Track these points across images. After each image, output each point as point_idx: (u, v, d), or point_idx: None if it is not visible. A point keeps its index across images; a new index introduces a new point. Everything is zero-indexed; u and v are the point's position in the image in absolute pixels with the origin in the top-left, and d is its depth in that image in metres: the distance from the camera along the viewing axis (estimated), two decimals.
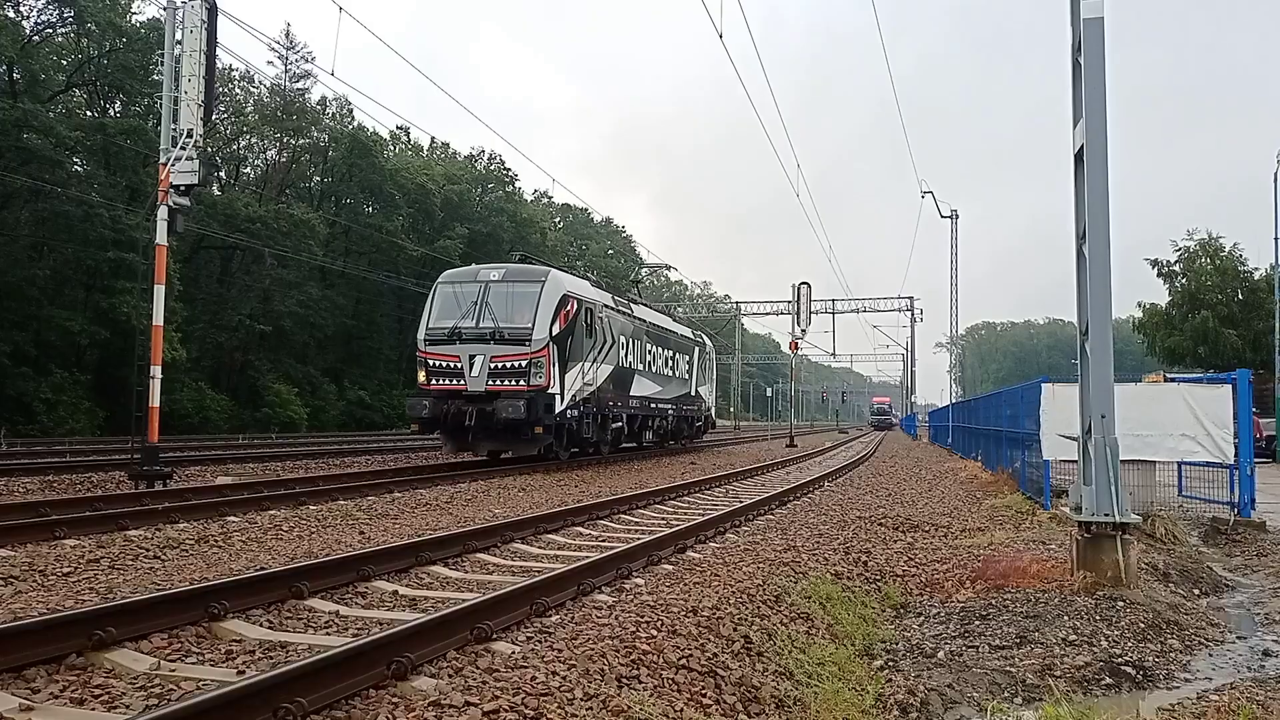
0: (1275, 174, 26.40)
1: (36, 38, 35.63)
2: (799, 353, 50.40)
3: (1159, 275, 38.71)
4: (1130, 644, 5.92)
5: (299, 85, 48.14)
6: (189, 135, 14.29)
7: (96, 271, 33.79)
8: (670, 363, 27.34)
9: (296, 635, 5.26)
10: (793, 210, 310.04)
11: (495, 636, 5.07)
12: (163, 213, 14.38)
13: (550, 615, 5.72)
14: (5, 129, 31.19)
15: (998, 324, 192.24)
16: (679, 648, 4.91)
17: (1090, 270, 7.28)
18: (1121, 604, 6.54)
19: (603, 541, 9.22)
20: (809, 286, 39.63)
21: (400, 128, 59.58)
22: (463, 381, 17.83)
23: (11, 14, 34.19)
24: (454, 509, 11.79)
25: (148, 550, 8.14)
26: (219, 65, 24.37)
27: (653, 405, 25.36)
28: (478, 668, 4.49)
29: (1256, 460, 12.69)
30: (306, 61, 47.18)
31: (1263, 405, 24.89)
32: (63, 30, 37.17)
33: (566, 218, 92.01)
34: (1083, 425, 7.52)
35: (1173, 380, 14.08)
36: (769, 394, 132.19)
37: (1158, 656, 5.79)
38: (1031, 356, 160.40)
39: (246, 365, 42.68)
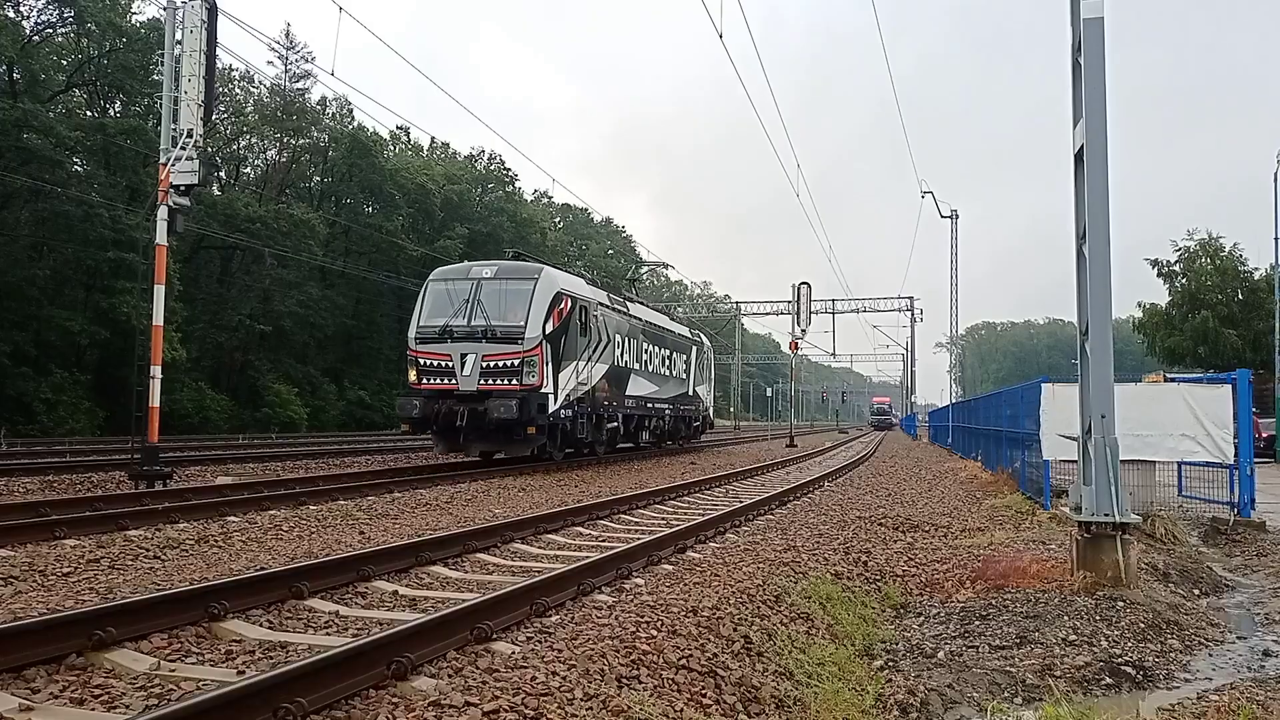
0: (1275, 174, 26.42)
1: (36, 38, 35.64)
2: (799, 353, 50.42)
3: (1159, 275, 38.75)
4: (1130, 644, 5.92)
5: (299, 85, 48.23)
6: (189, 135, 14.29)
7: (96, 271, 33.80)
8: (667, 362, 27.15)
9: (296, 635, 5.26)
10: (793, 210, 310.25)
11: (495, 636, 5.07)
12: (163, 213, 14.39)
13: (550, 615, 5.72)
14: (5, 129, 31.19)
15: (998, 324, 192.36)
16: (679, 648, 4.91)
17: (1090, 270, 7.29)
18: (1121, 604, 6.54)
19: (603, 541, 9.21)
20: (809, 286, 39.65)
21: (400, 128, 59.68)
22: (454, 381, 17.56)
23: (11, 14, 34.21)
24: (454, 509, 11.79)
25: (148, 550, 8.14)
26: (219, 65, 24.37)
27: (649, 405, 25.18)
28: (478, 668, 4.49)
29: (1256, 460, 12.69)
30: (306, 61, 47.28)
31: (1263, 405, 24.90)
32: (63, 30, 37.18)
33: (566, 218, 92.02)
34: (1083, 425, 7.52)
35: (1173, 380, 14.08)
36: (769, 394, 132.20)
37: (1158, 656, 5.79)
38: (1031, 356, 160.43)
39: (246, 365, 42.69)
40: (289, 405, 41.57)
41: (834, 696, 4.84)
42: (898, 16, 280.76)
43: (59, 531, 8.59)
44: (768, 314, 70.31)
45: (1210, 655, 5.97)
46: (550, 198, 79.34)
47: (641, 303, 27.61)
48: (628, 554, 7.57)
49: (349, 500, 12.13)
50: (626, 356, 22.99)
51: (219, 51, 15.78)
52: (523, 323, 17.64)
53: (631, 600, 6.12)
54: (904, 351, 78.95)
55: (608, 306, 21.80)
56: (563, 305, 18.55)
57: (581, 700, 4.02)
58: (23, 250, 32.98)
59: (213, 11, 14.59)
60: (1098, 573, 7.07)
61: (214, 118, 35.36)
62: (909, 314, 68.26)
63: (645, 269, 56.67)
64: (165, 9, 15.18)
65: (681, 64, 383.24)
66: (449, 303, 18.27)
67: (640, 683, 4.38)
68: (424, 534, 8.70)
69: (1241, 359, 32.37)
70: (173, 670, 4.50)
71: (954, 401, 45.32)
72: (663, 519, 11.31)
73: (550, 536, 9.46)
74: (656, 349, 25.89)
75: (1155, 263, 38.58)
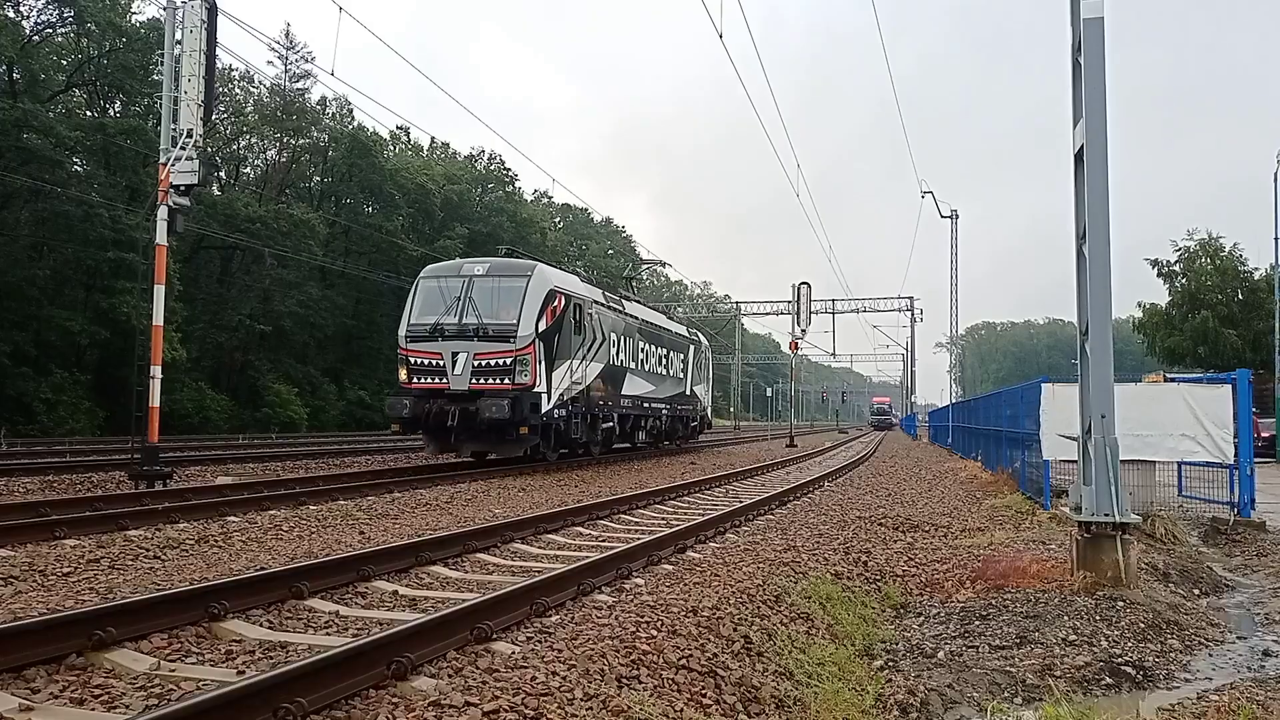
0: (1275, 174, 26.42)
1: (36, 38, 35.64)
2: (799, 353, 50.43)
3: (1159, 275, 38.75)
4: (1130, 644, 5.92)
5: (299, 85, 48.23)
6: (189, 135, 14.29)
7: (96, 271, 33.80)
8: (664, 361, 26.92)
9: (296, 635, 5.26)
10: (793, 210, 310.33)
11: (495, 636, 5.07)
12: (163, 213, 14.39)
13: (550, 615, 5.72)
14: (5, 129, 31.19)
15: (998, 324, 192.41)
16: (679, 648, 4.91)
17: (1090, 270, 7.29)
18: (1121, 604, 6.54)
19: (602, 541, 9.22)
20: (809, 286, 39.65)
21: (400, 128, 59.72)
22: (445, 380, 17.24)
23: (11, 14, 34.21)
24: (454, 509, 11.79)
25: (148, 550, 8.14)
26: (219, 65, 24.38)
27: (646, 405, 24.94)
28: (478, 668, 4.49)
29: (1256, 460, 12.69)
30: (306, 61, 47.27)
31: (1263, 405, 24.90)
32: (63, 30, 37.18)
33: (566, 218, 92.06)
34: (1083, 425, 7.52)
35: (1173, 380, 14.08)
36: (769, 394, 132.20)
37: (1158, 656, 5.79)
38: (1031, 356, 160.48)
39: (246, 365, 42.69)
40: (289, 405, 41.57)
41: (834, 696, 4.83)
42: (898, 16, 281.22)
43: (59, 531, 8.59)
44: (768, 314, 70.32)
45: (1210, 655, 5.97)
46: (550, 198, 79.51)
47: (638, 301, 27.41)
48: (628, 554, 7.57)
49: (349, 500, 12.14)
50: (622, 355, 22.78)
51: (219, 51, 15.80)
52: (515, 321, 17.33)
53: (631, 600, 6.12)
54: (904, 351, 79.05)
55: (603, 304, 21.55)
56: (556, 303, 18.28)
57: (581, 700, 4.02)
58: (23, 250, 32.99)
59: (212, 11, 14.59)
60: (1098, 573, 7.07)
61: (214, 118, 35.40)
62: (909, 314, 68.30)
63: (645, 267, 56.44)
64: (165, 9, 15.18)
65: (681, 64, 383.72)
66: (440, 300, 17.94)
67: (640, 683, 4.38)
68: (424, 534, 8.70)
69: (1241, 359, 32.37)
70: (173, 670, 4.50)
71: (954, 401, 45.33)
72: (662, 519, 11.31)
73: (550, 536, 9.46)
74: (653, 348, 25.70)
75: (1155, 263, 38.59)
